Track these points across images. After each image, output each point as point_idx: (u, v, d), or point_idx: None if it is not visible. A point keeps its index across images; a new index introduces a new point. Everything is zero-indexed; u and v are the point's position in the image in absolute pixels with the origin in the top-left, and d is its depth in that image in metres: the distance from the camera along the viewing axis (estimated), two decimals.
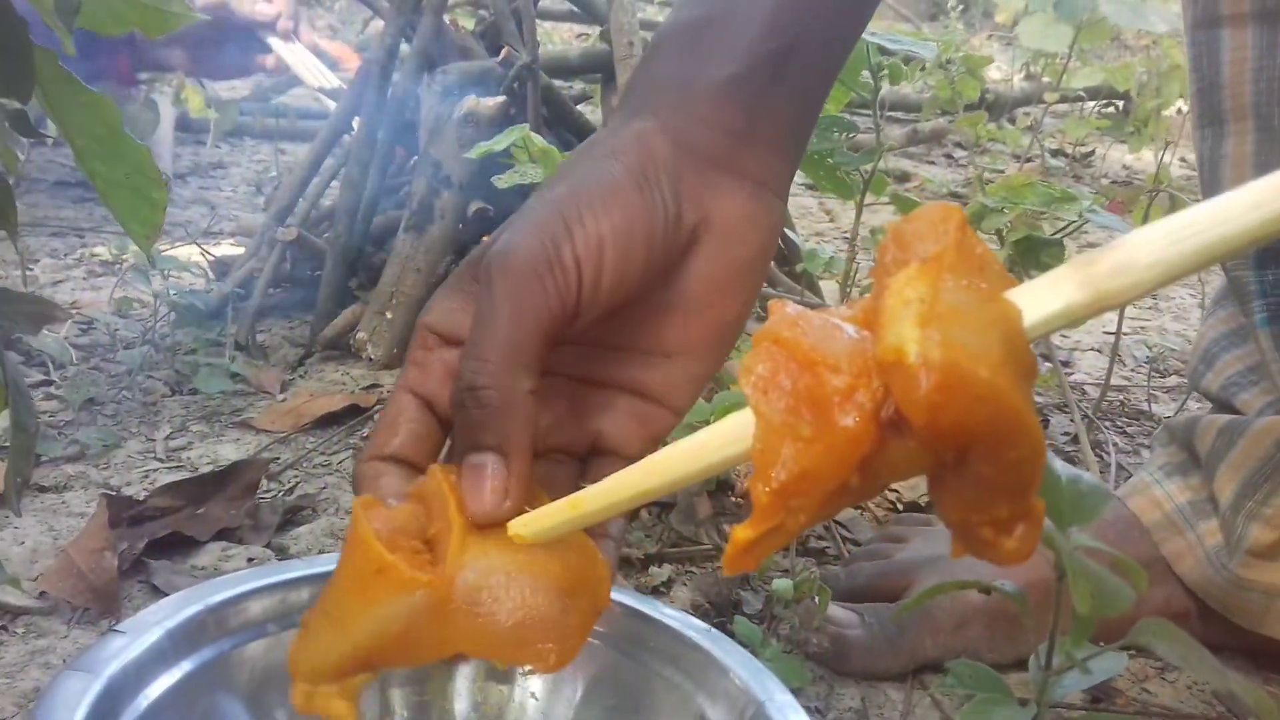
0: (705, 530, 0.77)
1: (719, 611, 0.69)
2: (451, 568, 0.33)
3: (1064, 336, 1.31)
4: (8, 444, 0.51)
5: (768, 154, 0.41)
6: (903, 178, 2.07)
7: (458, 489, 0.35)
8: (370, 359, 1.04)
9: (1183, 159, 2.23)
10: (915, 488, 0.87)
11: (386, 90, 1.12)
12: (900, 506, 0.86)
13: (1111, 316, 1.35)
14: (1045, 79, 2.57)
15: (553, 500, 0.35)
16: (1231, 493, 0.67)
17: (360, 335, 1.04)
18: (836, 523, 0.81)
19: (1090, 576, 0.40)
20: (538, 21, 1.22)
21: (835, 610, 0.64)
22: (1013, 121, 2.48)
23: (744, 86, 0.40)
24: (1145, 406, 1.10)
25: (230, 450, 0.87)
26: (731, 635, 0.61)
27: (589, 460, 0.41)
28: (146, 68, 1.41)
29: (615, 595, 0.49)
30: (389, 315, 1.04)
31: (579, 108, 1.23)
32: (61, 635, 0.63)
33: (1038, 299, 0.25)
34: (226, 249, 1.36)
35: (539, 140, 0.80)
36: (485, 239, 0.40)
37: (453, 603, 0.33)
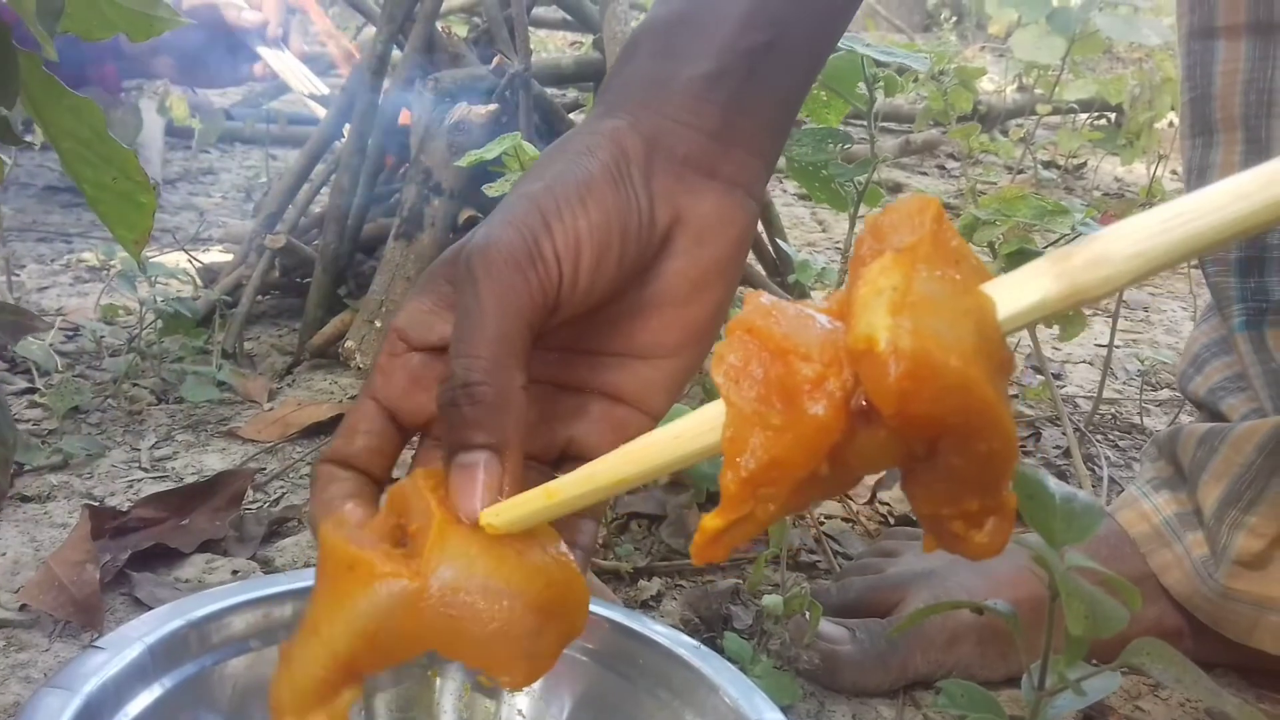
0: None
1: (709, 626, 0.68)
2: (429, 561, 0.32)
3: (1055, 349, 1.31)
4: None
5: (742, 153, 0.41)
6: (896, 188, 2.08)
7: (439, 490, 0.35)
8: (359, 368, 1.03)
9: (1174, 171, 2.24)
10: (906, 501, 0.86)
11: (378, 97, 1.12)
12: (891, 520, 0.85)
13: (1104, 329, 1.35)
14: (1038, 91, 2.58)
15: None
16: (1215, 502, 0.66)
17: (349, 344, 1.03)
18: (827, 536, 0.81)
19: (1084, 598, 0.39)
20: (531, 29, 1.22)
21: (826, 626, 0.64)
22: (1005, 133, 2.49)
23: (718, 85, 0.40)
24: (1137, 420, 1.10)
25: (216, 460, 0.86)
26: (721, 651, 0.60)
27: (560, 466, 0.41)
28: (134, 76, 1.40)
29: (604, 611, 0.49)
30: (378, 324, 1.03)
31: (571, 116, 1.22)
32: (43, 648, 0.62)
33: (1013, 292, 0.25)
34: (215, 256, 1.35)
35: (530, 148, 0.80)
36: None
37: (428, 597, 0.32)
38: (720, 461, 0.27)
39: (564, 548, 0.35)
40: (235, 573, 0.71)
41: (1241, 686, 0.68)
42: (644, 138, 0.40)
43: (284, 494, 0.82)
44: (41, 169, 1.69)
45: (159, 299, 1.01)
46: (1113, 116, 2.49)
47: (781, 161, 1.00)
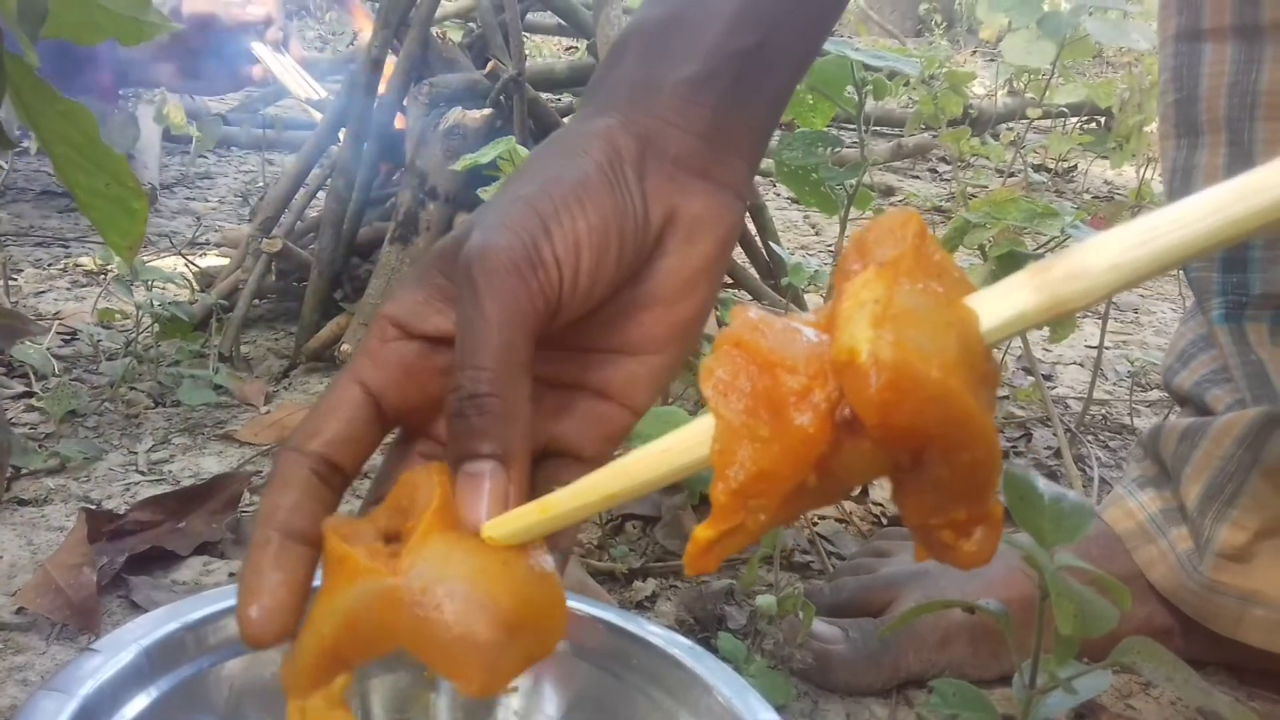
0: None
1: (703, 627, 0.68)
2: (407, 559, 0.33)
3: (1046, 350, 1.31)
4: None
5: (730, 155, 0.41)
6: (887, 192, 2.09)
7: (443, 484, 0.35)
8: None
9: (1162, 175, 2.24)
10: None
11: (373, 102, 1.12)
12: (884, 520, 0.86)
13: (1094, 330, 1.36)
14: (1028, 95, 2.59)
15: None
16: (1197, 496, 0.67)
17: (345, 347, 1.04)
18: (820, 536, 0.81)
19: (1074, 598, 0.40)
20: (525, 34, 1.22)
21: (819, 625, 0.64)
22: (996, 137, 2.50)
23: (707, 87, 0.40)
24: (1127, 420, 1.11)
25: (213, 463, 0.87)
26: (715, 651, 0.61)
27: (542, 463, 0.40)
28: (131, 84, 1.40)
29: (599, 612, 0.49)
30: None
31: (565, 120, 1.23)
32: (40, 651, 0.62)
33: (995, 304, 0.25)
34: (211, 260, 1.35)
35: (525, 153, 0.80)
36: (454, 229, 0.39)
37: (400, 595, 0.32)
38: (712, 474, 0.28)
39: (552, 565, 0.35)
40: (232, 575, 0.71)
41: (1232, 685, 0.69)
42: (636, 137, 0.40)
43: None
44: (38, 174, 1.69)
45: (156, 303, 1.01)
46: (1102, 120, 2.50)
47: (771, 165, 1.01)
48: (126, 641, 0.43)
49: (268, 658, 0.47)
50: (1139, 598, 0.68)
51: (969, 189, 1.89)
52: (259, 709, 0.46)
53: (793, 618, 0.64)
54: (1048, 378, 1.22)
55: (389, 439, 0.40)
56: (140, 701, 0.42)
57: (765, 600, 0.63)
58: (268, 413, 0.96)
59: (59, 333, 1.10)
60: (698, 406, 0.81)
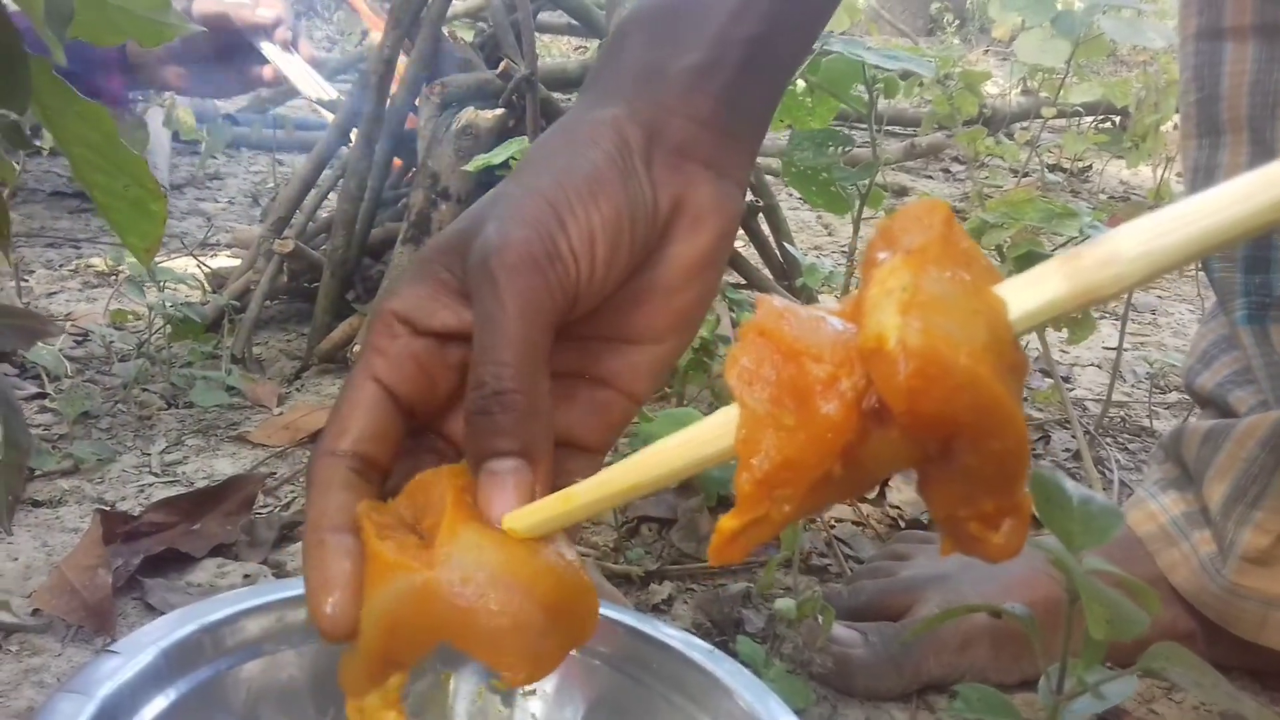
0: (707, 547, 0.76)
1: (721, 630, 0.68)
2: (439, 554, 0.33)
3: (1064, 352, 1.30)
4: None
5: (732, 143, 0.41)
6: (901, 192, 2.08)
7: (456, 484, 0.35)
8: None
9: (1180, 174, 2.23)
10: (917, 504, 0.86)
11: (384, 102, 1.12)
12: (903, 523, 0.85)
13: (1112, 332, 1.35)
14: (1043, 94, 2.58)
15: None
16: (1220, 499, 0.66)
17: (357, 348, 1.03)
18: (838, 539, 0.80)
19: (1105, 601, 0.39)
20: (536, 34, 1.22)
21: (838, 629, 0.63)
22: (1011, 136, 2.49)
23: (712, 75, 0.40)
24: (1146, 423, 1.10)
25: (226, 465, 0.86)
26: (734, 655, 0.60)
27: None
28: (141, 87, 1.40)
29: (616, 615, 0.49)
30: None
31: None
32: (55, 653, 0.62)
33: (1024, 292, 0.25)
34: (223, 261, 1.35)
35: None
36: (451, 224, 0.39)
37: (438, 588, 0.32)
38: (732, 467, 0.27)
39: (575, 554, 0.35)
40: (246, 577, 0.71)
41: (1255, 690, 0.68)
42: (642, 126, 0.39)
43: (294, 498, 0.82)
44: (49, 174, 1.70)
45: (168, 304, 1.01)
46: (1117, 119, 2.49)
47: (779, 165, 1.01)
48: (145, 643, 0.42)
49: (285, 659, 0.47)
50: (1162, 601, 0.67)
51: (984, 189, 1.88)
52: (276, 711, 0.46)
53: (812, 621, 0.63)
54: (1066, 379, 1.22)
55: None
56: (159, 703, 0.42)
57: (784, 604, 0.62)
58: (280, 414, 0.96)
59: (71, 334, 1.10)
60: (711, 408, 0.81)
